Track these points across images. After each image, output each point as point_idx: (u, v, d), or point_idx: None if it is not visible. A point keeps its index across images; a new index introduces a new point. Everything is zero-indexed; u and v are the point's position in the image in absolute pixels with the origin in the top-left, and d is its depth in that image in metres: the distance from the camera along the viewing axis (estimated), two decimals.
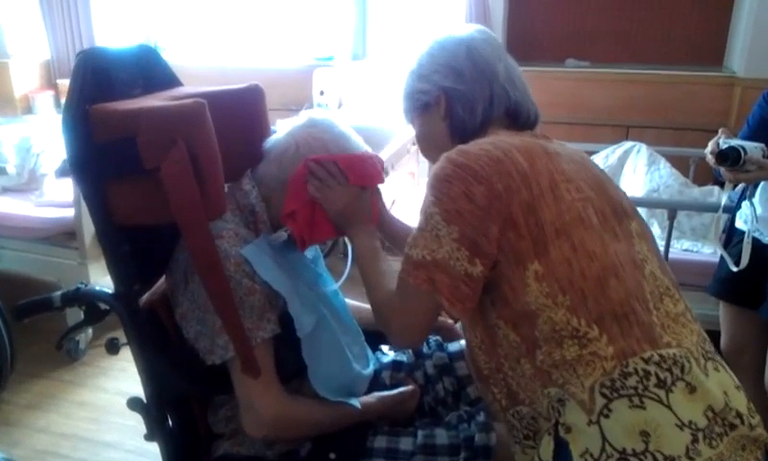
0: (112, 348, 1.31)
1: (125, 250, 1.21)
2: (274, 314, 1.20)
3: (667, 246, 2.25)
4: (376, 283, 1.14)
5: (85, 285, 1.30)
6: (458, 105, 1.15)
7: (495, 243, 0.98)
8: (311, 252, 1.45)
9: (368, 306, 1.21)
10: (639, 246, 1.03)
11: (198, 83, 1.46)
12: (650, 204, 2.66)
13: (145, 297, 1.29)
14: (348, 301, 1.50)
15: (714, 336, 1.04)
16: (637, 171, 3.04)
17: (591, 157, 1.18)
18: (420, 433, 1.25)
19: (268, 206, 1.29)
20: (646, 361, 0.91)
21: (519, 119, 1.17)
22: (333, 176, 1.25)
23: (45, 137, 3.34)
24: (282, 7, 4.32)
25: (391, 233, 1.42)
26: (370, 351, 1.45)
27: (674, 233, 2.32)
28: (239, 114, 1.32)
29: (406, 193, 3.17)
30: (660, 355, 0.91)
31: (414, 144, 3.37)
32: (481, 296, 1.01)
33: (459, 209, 0.98)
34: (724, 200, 1.93)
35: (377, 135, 2.72)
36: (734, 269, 1.83)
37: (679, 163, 3.08)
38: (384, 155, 2.66)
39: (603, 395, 0.90)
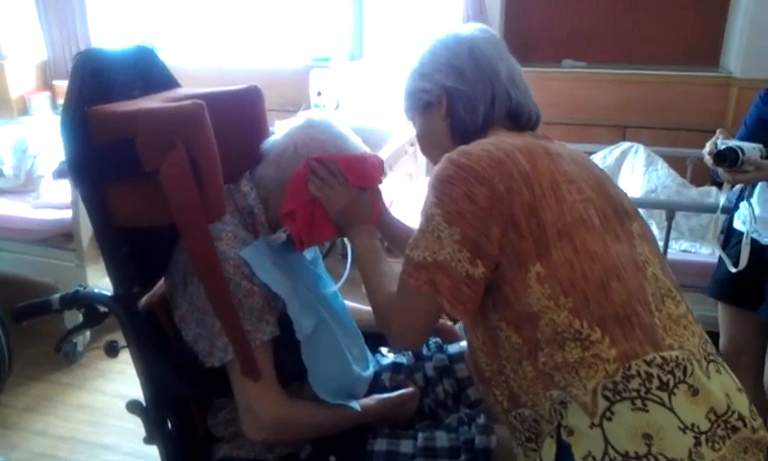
0: (111, 351, 1.30)
1: (124, 252, 1.21)
2: (273, 316, 1.19)
3: (665, 247, 2.26)
4: (377, 285, 1.13)
5: (84, 288, 1.30)
6: (459, 104, 1.14)
7: (497, 244, 0.97)
8: (310, 253, 1.44)
9: (367, 308, 1.21)
10: (641, 247, 1.03)
11: (194, 83, 1.45)
12: (648, 204, 2.67)
13: (144, 299, 1.29)
14: (347, 303, 1.50)
15: (713, 337, 1.04)
16: (635, 172, 3.04)
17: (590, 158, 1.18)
18: (420, 436, 1.25)
19: (266, 208, 1.28)
20: (648, 364, 0.90)
21: (521, 120, 1.16)
22: (335, 175, 1.25)
23: (42, 139, 3.33)
24: (279, 7, 4.31)
25: (391, 234, 1.42)
26: (369, 354, 1.45)
27: (672, 234, 2.32)
28: (238, 116, 1.32)
29: (404, 194, 3.16)
30: (663, 358, 0.91)
31: (412, 145, 3.37)
32: (482, 298, 1.00)
33: (461, 210, 0.97)
34: (722, 201, 1.94)
35: (375, 136, 2.72)
36: (733, 270, 1.83)
37: (676, 164, 3.09)
38: (382, 155, 2.65)
39: (605, 397, 0.90)
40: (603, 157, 3.15)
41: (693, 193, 2.93)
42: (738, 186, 1.94)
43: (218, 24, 4.49)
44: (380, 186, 1.34)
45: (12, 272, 2.95)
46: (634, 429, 0.88)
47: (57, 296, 1.27)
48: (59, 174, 3.13)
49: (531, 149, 1.04)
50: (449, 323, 1.55)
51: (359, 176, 1.26)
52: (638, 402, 0.89)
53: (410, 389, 1.36)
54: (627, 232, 1.03)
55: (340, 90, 3.97)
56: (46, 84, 4.40)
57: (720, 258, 1.93)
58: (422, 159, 3.53)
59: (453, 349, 1.47)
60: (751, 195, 1.87)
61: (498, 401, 1.08)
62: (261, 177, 1.30)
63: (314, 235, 1.26)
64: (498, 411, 1.10)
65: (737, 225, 1.93)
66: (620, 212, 1.05)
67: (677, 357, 0.92)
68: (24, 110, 4.19)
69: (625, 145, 3.17)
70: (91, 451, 2.27)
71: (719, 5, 3.62)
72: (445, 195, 0.99)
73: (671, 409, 0.88)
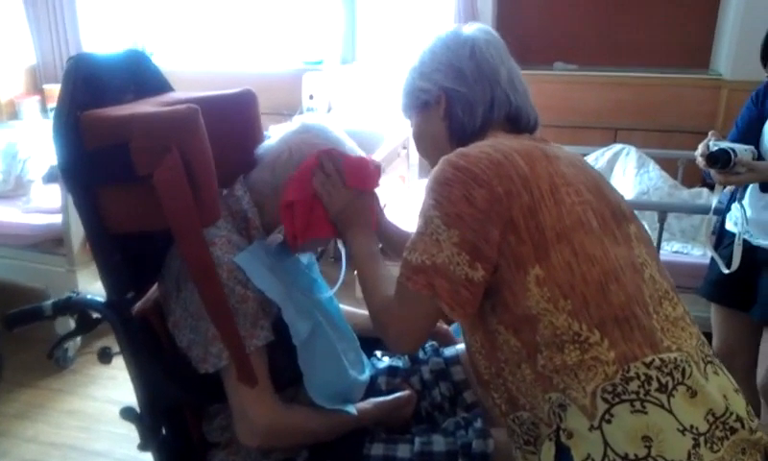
0: (105, 357, 1.29)
1: (117, 257, 1.19)
2: (267, 321, 1.18)
3: (658, 248, 2.27)
4: (374, 288, 1.12)
5: (77, 294, 1.28)
6: (458, 106, 1.14)
7: (496, 247, 0.97)
8: (306, 258, 1.44)
9: (362, 312, 1.20)
10: (638, 249, 1.03)
11: (186, 87, 1.45)
12: (640, 206, 2.68)
13: (137, 305, 1.28)
14: (342, 307, 1.49)
15: (706, 338, 1.04)
16: (627, 173, 3.06)
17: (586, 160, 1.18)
18: (417, 440, 1.24)
19: (261, 212, 1.27)
20: (647, 366, 0.90)
21: (520, 123, 1.16)
22: (340, 173, 1.24)
23: (31, 143, 3.31)
24: (271, 11, 4.30)
25: (387, 237, 1.41)
26: (365, 358, 1.44)
27: (664, 235, 2.33)
28: (232, 120, 1.31)
29: (396, 197, 3.16)
30: (662, 360, 0.91)
31: (404, 147, 3.37)
32: (481, 301, 1.00)
33: (459, 213, 0.97)
34: (714, 202, 1.95)
35: (367, 139, 2.71)
36: (725, 271, 1.84)
37: (667, 165, 3.11)
38: (374, 158, 2.65)
39: (605, 400, 0.90)
40: (595, 160, 3.17)
41: (685, 194, 2.95)
42: (730, 188, 1.94)
43: (210, 28, 4.48)
44: (376, 190, 1.33)
45: (1, 277, 2.92)
46: (633, 431, 0.88)
47: (49, 302, 1.26)
48: (49, 178, 3.11)
49: (529, 152, 1.04)
50: (445, 326, 1.55)
51: (359, 178, 1.26)
52: (638, 404, 0.89)
53: (406, 392, 1.35)
54: (625, 235, 1.03)
55: (332, 93, 3.96)
56: (36, 89, 4.36)
57: (712, 260, 1.94)
58: (415, 162, 3.53)
59: (449, 352, 1.47)
60: (742, 197, 1.88)
61: (497, 404, 1.07)
62: (255, 181, 1.29)
63: (309, 232, 1.25)
64: (497, 414, 1.09)
65: (729, 226, 1.94)
66: (618, 215, 1.05)
67: (675, 359, 0.92)
68: (14, 115, 4.15)
69: (617, 147, 3.19)
70: (83, 458, 2.25)
71: (709, 8, 3.65)
72: (444, 197, 0.98)
73: (670, 411, 0.88)
